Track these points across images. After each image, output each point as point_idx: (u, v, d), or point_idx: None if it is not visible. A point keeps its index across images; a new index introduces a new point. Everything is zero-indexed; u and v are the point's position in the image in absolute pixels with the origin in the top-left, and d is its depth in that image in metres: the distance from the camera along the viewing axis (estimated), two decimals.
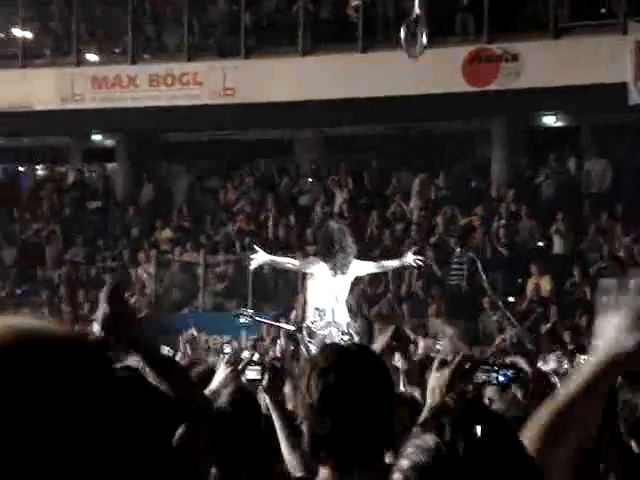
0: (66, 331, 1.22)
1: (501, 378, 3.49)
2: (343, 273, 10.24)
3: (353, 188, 20.56)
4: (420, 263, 11.31)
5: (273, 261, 11.07)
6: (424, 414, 3.30)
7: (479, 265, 11.29)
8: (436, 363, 3.37)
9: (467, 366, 3.36)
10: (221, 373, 4.33)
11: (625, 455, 3.97)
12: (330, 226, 10.75)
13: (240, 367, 4.34)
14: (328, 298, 10.23)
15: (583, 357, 10.18)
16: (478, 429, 1.53)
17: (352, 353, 2.68)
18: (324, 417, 2.55)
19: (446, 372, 3.32)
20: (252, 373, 4.25)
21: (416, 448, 1.55)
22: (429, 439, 1.54)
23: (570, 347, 13.24)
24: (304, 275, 10.82)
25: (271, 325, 11.98)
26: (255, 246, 11.32)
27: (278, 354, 10.73)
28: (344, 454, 2.55)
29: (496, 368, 3.55)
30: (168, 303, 19.43)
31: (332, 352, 2.68)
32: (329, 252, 10.25)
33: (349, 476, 2.54)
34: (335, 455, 2.55)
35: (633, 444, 4.12)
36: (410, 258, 11.07)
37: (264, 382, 4.14)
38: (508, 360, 3.69)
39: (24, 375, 1.14)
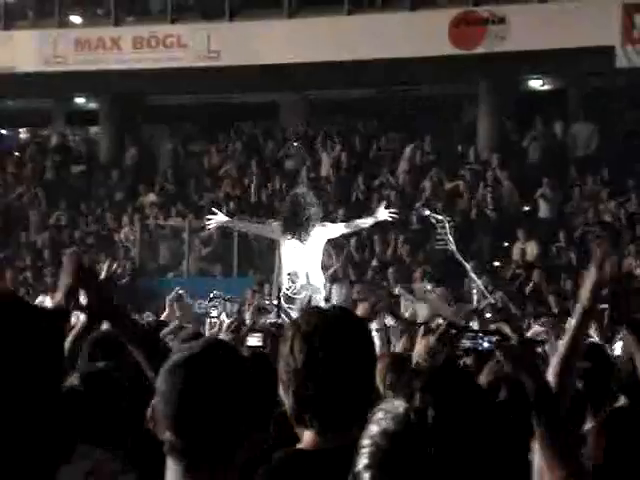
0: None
1: (486, 345, 3.44)
2: (302, 240, 10.17)
3: (339, 152, 20.46)
4: (394, 216, 11.26)
5: (232, 224, 11.10)
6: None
7: (447, 228, 11.21)
8: (421, 329, 3.34)
9: (452, 332, 3.33)
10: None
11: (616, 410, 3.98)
12: (297, 194, 10.66)
13: (242, 334, 4.31)
14: (299, 262, 10.22)
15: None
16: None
17: (334, 316, 2.67)
18: (308, 381, 2.55)
19: (432, 338, 3.28)
20: (253, 340, 4.19)
21: (385, 414, 1.52)
22: (398, 405, 1.51)
23: (555, 311, 13.25)
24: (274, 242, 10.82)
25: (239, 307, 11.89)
26: (214, 208, 11.33)
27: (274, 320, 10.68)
28: (328, 417, 2.55)
29: (481, 335, 3.50)
30: (152, 268, 19.35)
31: (314, 315, 2.66)
32: (292, 220, 10.23)
33: (333, 439, 2.54)
34: (319, 418, 2.55)
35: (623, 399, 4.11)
36: (383, 214, 11.02)
37: (267, 349, 4.09)
38: (493, 327, 3.65)
39: None
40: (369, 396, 2.60)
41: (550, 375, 3.21)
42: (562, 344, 3.42)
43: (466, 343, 3.42)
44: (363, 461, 1.51)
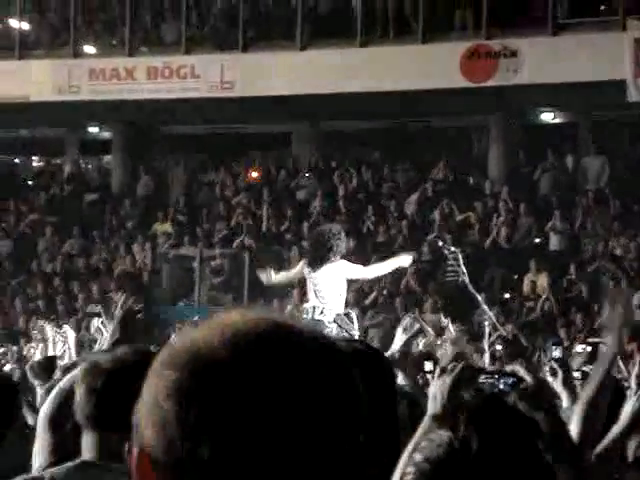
0: (305, 326, 1.26)
1: (502, 386, 3.47)
2: (314, 269, 9.97)
3: (355, 183, 20.54)
4: (414, 258, 10.96)
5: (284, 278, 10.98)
6: (425, 422, 3.27)
7: (460, 260, 11.19)
8: (437, 370, 3.36)
9: (468, 374, 3.34)
10: None
11: None
12: (326, 228, 10.53)
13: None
14: (311, 297, 10.10)
15: (581, 346, 10.23)
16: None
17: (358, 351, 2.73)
18: None
19: (447, 380, 3.29)
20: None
21: (430, 442, 1.57)
22: (443, 434, 1.56)
23: (566, 343, 13.24)
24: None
25: None
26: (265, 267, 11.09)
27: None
28: None
29: (496, 376, 3.52)
30: (163, 296, 19.39)
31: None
32: (312, 253, 10.15)
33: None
34: None
35: None
36: (405, 260, 10.72)
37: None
38: (508, 368, 3.68)
39: (288, 365, 1.19)
40: (395, 428, 2.63)
41: (575, 420, 3.28)
42: (588, 388, 3.47)
43: (483, 384, 3.45)
44: None
